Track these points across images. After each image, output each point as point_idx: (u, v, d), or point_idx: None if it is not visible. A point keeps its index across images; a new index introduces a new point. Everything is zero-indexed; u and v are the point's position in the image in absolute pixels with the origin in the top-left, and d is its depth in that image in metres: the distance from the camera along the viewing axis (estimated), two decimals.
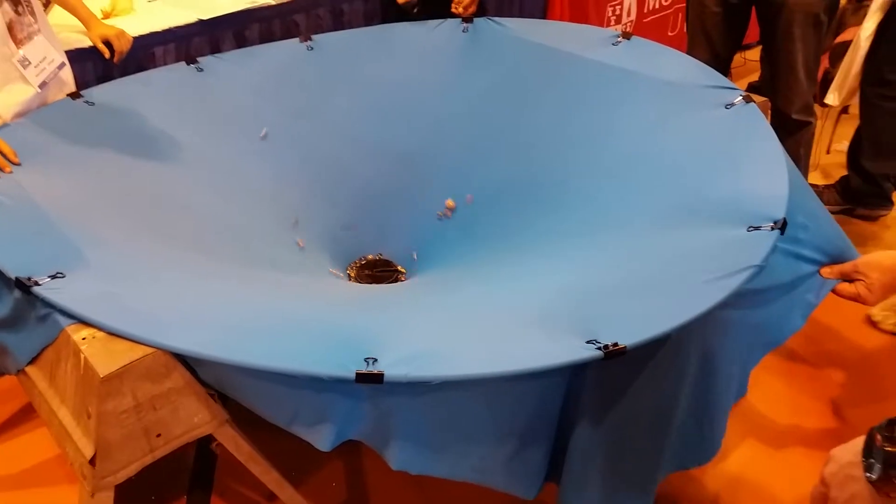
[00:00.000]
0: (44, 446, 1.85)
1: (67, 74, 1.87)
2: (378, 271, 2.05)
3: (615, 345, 1.12)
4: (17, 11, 1.67)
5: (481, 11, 2.41)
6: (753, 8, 2.42)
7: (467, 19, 2.25)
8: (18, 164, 1.56)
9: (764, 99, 1.92)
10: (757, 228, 1.37)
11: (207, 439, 1.35)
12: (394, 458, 1.22)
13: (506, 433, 1.23)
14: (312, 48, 2.18)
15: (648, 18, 3.53)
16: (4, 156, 1.54)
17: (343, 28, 2.38)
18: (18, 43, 1.69)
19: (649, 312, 1.21)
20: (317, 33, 2.26)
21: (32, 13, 1.73)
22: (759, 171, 1.53)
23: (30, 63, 1.71)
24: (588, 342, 1.14)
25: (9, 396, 2.00)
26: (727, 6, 2.42)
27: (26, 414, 1.95)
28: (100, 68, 2.02)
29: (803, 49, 2.30)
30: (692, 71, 1.88)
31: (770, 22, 2.34)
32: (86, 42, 1.97)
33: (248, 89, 2.06)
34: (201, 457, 1.81)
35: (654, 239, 1.48)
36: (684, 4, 3.46)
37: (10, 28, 1.66)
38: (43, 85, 1.75)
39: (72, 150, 1.69)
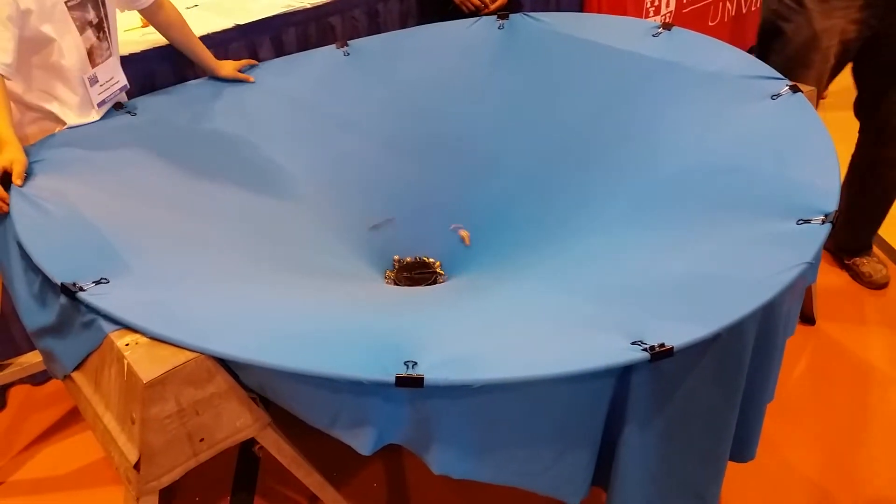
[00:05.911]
0: (90, 448, 1.88)
1: (124, 97, 1.91)
2: (416, 273, 2.04)
3: (662, 345, 1.09)
4: (98, 38, 1.71)
5: (517, 7, 2.38)
6: None
7: (503, 16, 2.22)
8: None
9: (811, 88, 1.86)
10: (807, 221, 1.33)
11: (250, 442, 1.35)
12: (435, 462, 1.20)
13: (549, 437, 1.20)
14: (349, 54, 2.18)
15: (688, 8, 3.45)
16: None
17: (379, 29, 2.37)
18: (95, 67, 1.73)
19: (697, 311, 1.18)
20: (353, 35, 2.25)
21: (109, 38, 1.77)
22: (809, 163, 1.49)
23: (97, 81, 1.75)
24: (633, 343, 1.11)
25: (57, 399, 2.04)
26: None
27: (74, 416, 1.99)
28: (140, 78, 2.04)
29: None
30: (736, 61, 1.83)
31: None
32: (126, 52, 2.00)
33: (287, 97, 2.06)
34: (244, 460, 1.83)
35: (700, 234, 1.45)
36: None
37: (90, 53, 1.70)
38: (102, 104, 1.79)
39: (115, 159, 1.71)
